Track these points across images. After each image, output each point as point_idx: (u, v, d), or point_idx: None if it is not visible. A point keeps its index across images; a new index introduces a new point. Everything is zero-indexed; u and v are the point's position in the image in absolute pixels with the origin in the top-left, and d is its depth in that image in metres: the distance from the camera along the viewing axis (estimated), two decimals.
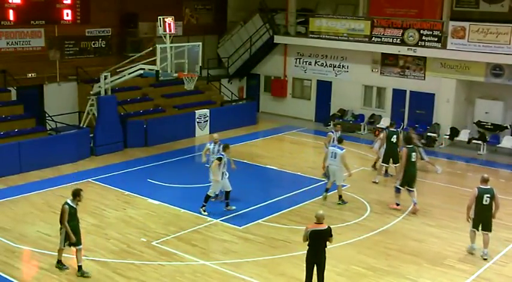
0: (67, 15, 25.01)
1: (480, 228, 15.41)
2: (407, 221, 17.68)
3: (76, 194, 13.93)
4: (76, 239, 13.78)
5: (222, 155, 17.72)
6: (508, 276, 14.50)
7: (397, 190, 18.59)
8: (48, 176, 21.01)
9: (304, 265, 12.87)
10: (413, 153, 18.54)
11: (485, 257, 15.30)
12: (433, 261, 15.12)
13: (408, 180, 18.37)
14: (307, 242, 12.70)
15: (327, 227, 12.69)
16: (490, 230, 15.40)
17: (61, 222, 13.80)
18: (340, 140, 19.49)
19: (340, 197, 19.03)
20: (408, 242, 16.33)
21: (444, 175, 23.27)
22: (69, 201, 13.86)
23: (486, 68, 25.78)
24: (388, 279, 14.13)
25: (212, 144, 19.05)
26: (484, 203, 15.21)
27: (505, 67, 25.29)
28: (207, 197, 17.87)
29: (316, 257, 12.74)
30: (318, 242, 12.65)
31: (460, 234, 16.84)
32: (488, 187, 15.34)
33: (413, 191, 18.43)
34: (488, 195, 15.22)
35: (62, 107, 25.52)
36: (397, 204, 18.66)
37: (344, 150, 18.82)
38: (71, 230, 13.70)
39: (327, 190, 19.26)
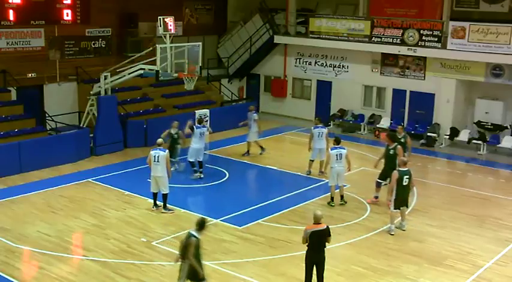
0: (67, 15, 25.03)
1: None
2: (408, 221, 17.64)
3: (203, 225, 11.92)
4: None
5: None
6: (508, 276, 14.49)
7: (378, 184, 19.43)
8: (48, 176, 21.01)
9: (304, 265, 12.86)
10: None
11: (404, 228, 17.00)
12: (433, 261, 15.12)
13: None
14: (306, 243, 12.71)
15: (325, 226, 12.70)
16: (407, 206, 17.35)
17: (184, 256, 11.78)
18: (338, 141, 19.26)
19: (342, 196, 19.08)
20: (408, 242, 16.33)
21: (444, 175, 23.29)
22: (194, 233, 11.80)
23: (486, 68, 25.78)
24: (388, 279, 14.13)
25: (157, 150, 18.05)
26: (404, 183, 16.60)
27: (505, 67, 25.29)
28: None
29: (316, 257, 12.75)
30: (317, 243, 12.66)
31: (460, 234, 16.87)
32: (406, 169, 16.76)
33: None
34: (407, 176, 16.64)
35: (62, 107, 25.51)
36: (376, 197, 19.38)
37: (347, 149, 19.15)
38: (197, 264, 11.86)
39: (332, 199, 19.11)
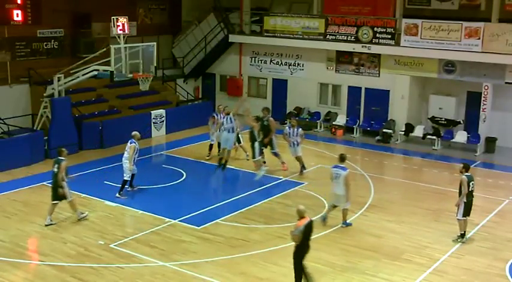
0: (17, 15, 24.50)
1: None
2: (366, 217, 17.82)
3: None
4: None
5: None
6: (464, 268, 14.73)
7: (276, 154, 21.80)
8: (1, 181, 20.57)
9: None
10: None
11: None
12: (391, 256, 15.26)
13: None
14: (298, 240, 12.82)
15: (310, 219, 12.99)
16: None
17: None
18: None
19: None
20: (366, 237, 16.46)
21: (400, 171, 23.57)
22: None
23: (439, 64, 26.18)
24: (346, 275, 14.21)
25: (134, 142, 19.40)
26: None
27: (456, 63, 25.71)
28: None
29: (309, 249, 13.00)
30: (310, 235, 12.93)
31: (417, 229, 17.08)
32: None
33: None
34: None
35: (14, 109, 24.98)
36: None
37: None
38: None
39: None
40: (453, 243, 16.07)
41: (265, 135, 21.88)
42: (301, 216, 12.85)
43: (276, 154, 22.31)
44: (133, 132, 19.55)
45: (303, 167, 22.01)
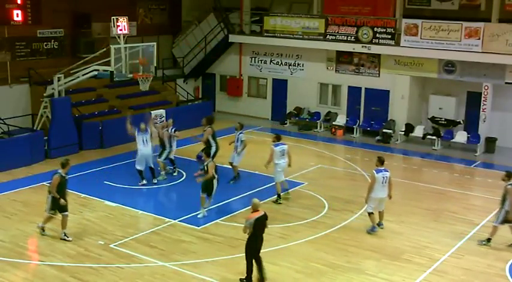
0: (17, 15, 24.53)
1: None
2: (366, 217, 17.76)
3: None
4: None
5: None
6: (464, 268, 14.74)
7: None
8: (1, 181, 20.58)
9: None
10: None
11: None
12: (392, 256, 15.27)
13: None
14: (248, 232, 13.30)
15: (264, 212, 13.49)
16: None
17: None
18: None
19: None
20: (367, 237, 16.46)
21: (400, 171, 23.55)
22: None
23: (439, 64, 26.19)
24: (347, 276, 14.22)
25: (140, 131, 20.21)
26: None
27: (456, 63, 25.72)
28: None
29: (260, 243, 13.52)
30: (262, 229, 13.46)
31: (417, 229, 17.09)
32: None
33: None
34: None
35: (14, 109, 24.99)
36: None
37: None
38: None
39: None
40: (453, 243, 16.08)
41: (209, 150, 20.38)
42: (254, 209, 13.37)
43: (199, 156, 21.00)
44: (142, 124, 20.40)
45: (237, 175, 21.12)
